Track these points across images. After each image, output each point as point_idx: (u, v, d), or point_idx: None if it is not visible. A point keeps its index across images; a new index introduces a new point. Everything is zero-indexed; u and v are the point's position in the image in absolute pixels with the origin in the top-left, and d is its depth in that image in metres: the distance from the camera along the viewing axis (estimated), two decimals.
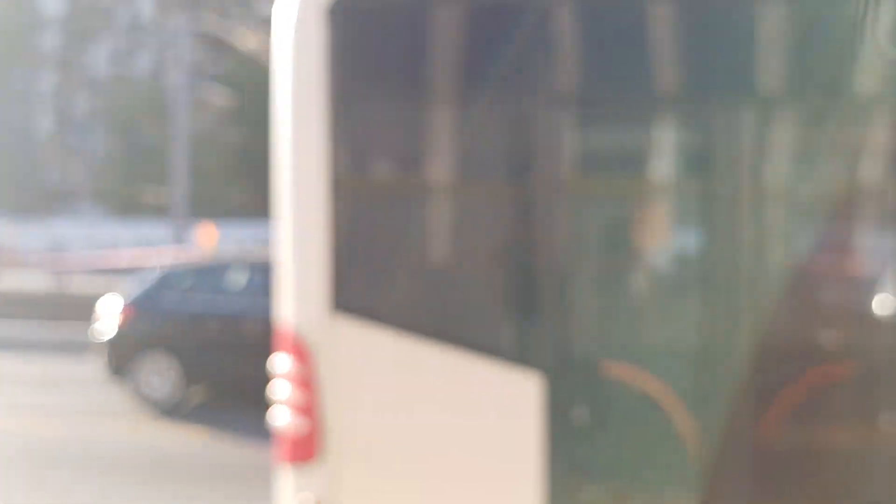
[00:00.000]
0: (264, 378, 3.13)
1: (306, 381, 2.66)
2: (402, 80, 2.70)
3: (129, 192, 25.85)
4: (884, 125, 2.55)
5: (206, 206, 19.88)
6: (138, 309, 7.97)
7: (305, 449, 2.66)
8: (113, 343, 7.91)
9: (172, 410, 7.73)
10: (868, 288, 2.59)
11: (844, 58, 2.49)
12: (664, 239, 2.70)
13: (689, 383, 2.60)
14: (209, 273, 8.42)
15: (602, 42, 2.60)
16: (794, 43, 2.53)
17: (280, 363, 2.73)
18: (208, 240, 14.49)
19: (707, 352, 2.59)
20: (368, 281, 2.75)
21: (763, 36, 2.52)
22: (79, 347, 10.07)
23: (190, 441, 7.05)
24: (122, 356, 7.85)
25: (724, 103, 2.51)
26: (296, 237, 2.70)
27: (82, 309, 10.72)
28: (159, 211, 21.01)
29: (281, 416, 2.72)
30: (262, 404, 3.52)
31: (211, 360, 7.88)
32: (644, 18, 2.56)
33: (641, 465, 2.63)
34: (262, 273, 7.67)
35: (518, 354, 2.60)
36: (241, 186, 24.13)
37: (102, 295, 9.32)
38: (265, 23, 7.02)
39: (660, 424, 2.54)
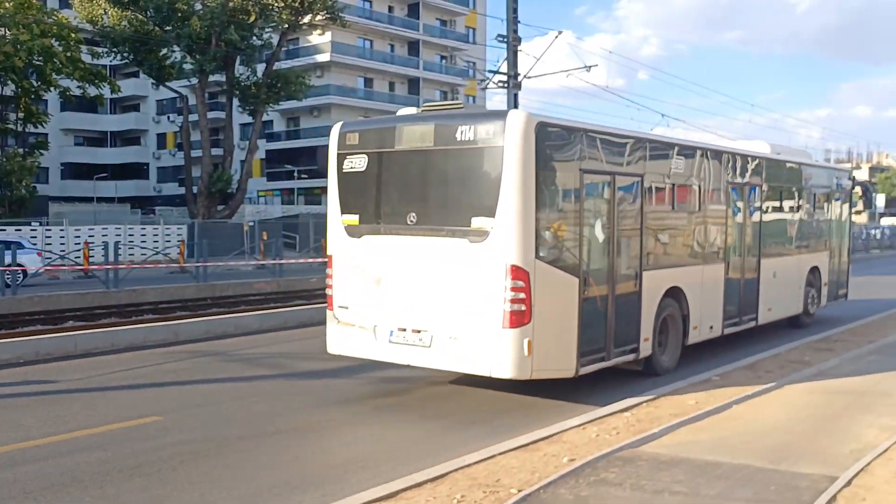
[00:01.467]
0: None
1: (526, 288, 8.25)
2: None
3: None
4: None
5: None
6: None
7: (525, 317, 8.26)
8: None
9: None
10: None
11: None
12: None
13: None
14: None
15: None
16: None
17: (516, 281, 8.24)
18: None
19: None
20: (549, 249, 8.74)
21: None
22: None
23: None
24: None
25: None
26: (524, 231, 8.35)
27: None
28: None
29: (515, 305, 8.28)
30: None
31: None
32: None
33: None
34: None
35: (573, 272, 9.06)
36: None
37: None
38: None
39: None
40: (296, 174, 56.42)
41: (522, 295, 8.29)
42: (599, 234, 9.55)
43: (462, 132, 8.72)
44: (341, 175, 9.72)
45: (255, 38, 38.56)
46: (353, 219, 9.59)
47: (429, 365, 9.13)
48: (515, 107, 24.19)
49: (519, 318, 8.28)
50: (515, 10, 24.04)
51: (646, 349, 10.16)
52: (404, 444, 7.86)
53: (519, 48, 24.12)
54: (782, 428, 7.77)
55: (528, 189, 8.37)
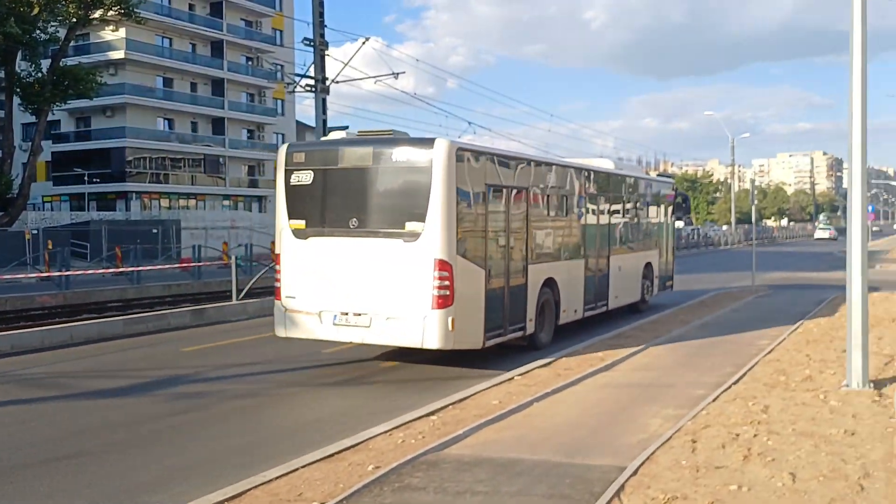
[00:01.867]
0: None
1: (450, 277, 10.26)
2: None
3: None
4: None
5: None
6: None
7: (449, 300, 10.24)
8: None
9: None
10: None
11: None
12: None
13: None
14: None
15: None
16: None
17: (442, 272, 10.26)
18: None
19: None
20: (465, 247, 10.77)
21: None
22: None
23: None
24: None
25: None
26: (448, 232, 10.37)
27: None
28: None
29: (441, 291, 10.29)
30: None
31: None
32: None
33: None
34: None
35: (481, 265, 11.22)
36: None
37: None
38: None
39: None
40: (86, 178, 52.59)
41: (447, 283, 10.39)
42: (499, 235, 11.81)
43: (397, 154, 10.87)
44: (289, 188, 11.49)
45: (39, 32, 35.55)
46: (300, 223, 11.36)
47: (369, 341, 11.12)
48: (324, 111, 23.97)
49: (445, 301, 10.34)
50: (322, 15, 23.79)
51: (530, 328, 12.47)
52: (196, 463, 7.45)
53: (327, 53, 23.88)
54: (578, 423, 8.11)
55: (450, 199, 10.51)
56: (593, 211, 15.29)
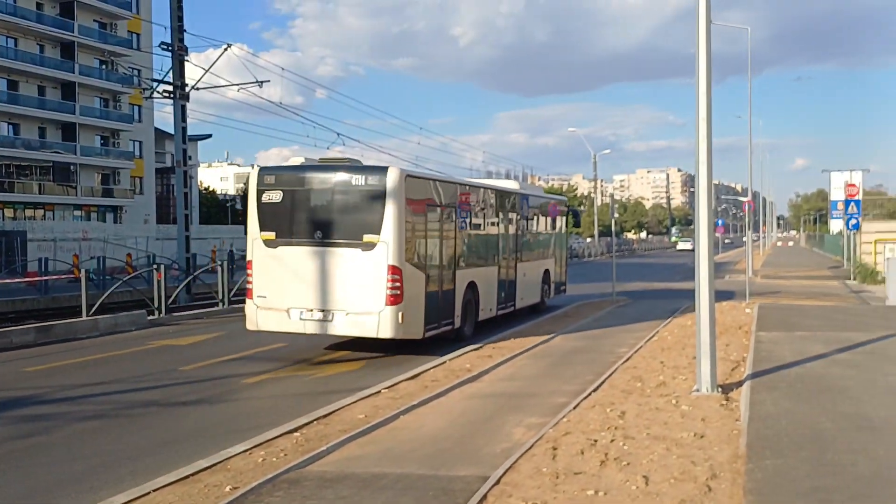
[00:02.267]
0: None
1: (400, 280, 12.42)
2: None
3: None
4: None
5: None
6: None
7: (399, 298, 12.39)
8: None
9: None
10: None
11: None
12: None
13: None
14: None
15: None
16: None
17: (394, 276, 12.43)
18: None
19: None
20: (411, 255, 12.96)
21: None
22: None
23: None
24: None
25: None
26: (398, 243, 12.56)
27: None
28: None
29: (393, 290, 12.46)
30: None
31: None
32: None
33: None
34: None
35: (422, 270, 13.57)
36: None
37: None
38: None
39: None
40: None
41: (398, 284, 12.59)
42: (434, 246, 14.11)
43: (356, 179, 13.06)
44: (260, 204, 13.47)
45: None
46: (271, 235, 13.34)
47: (330, 332, 13.24)
48: (183, 118, 23.16)
49: (396, 299, 12.56)
50: (181, 19, 22.99)
51: (457, 323, 14.87)
52: (39, 490, 6.94)
53: (187, 58, 23.07)
54: (443, 434, 8.11)
55: (400, 216, 12.72)
56: (504, 225, 17.88)
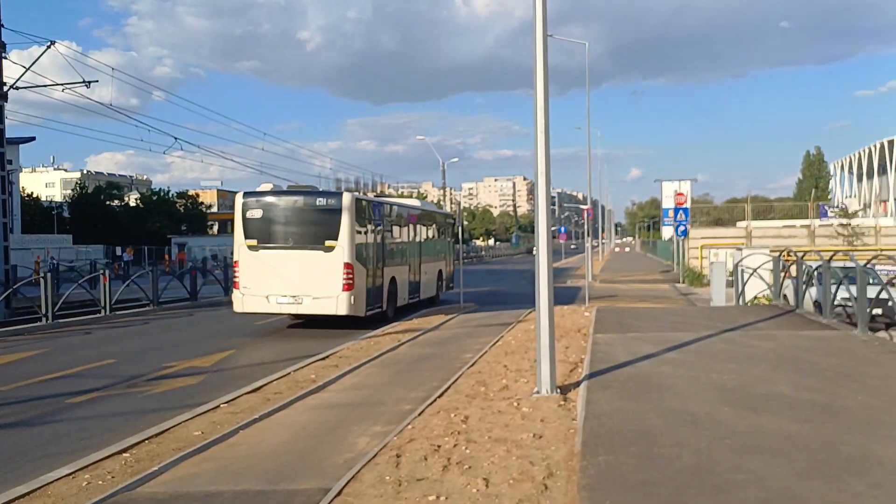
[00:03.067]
0: None
1: (352, 273, 17.88)
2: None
3: None
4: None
5: None
6: None
7: (352, 286, 17.81)
8: None
9: None
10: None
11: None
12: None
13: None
14: None
15: None
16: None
17: (347, 270, 17.85)
18: None
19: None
20: (358, 255, 18.40)
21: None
22: None
23: None
24: None
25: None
26: (350, 247, 17.95)
27: None
28: None
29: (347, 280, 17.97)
30: None
31: None
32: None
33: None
34: None
35: (365, 266, 19.13)
36: None
37: None
38: None
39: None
40: None
41: (351, 276, 17.65)
42: (371, 249, 19.41)
43: (319, 201, 18.55)
44: (245, 220, 18.38)
45: None
46: (253, 241, 18.20)
47: (301, 312, 18.50)
48: (1, 119, 21.59)
49: (349, 286, 17.62)
50: None
51: (385, 307, 20.16)
52: None
53: (6, 55, 21.45)
54: (285, 448, 7.90)
55: (351, 227, 17.90)
56: (413, 234, 23.41)
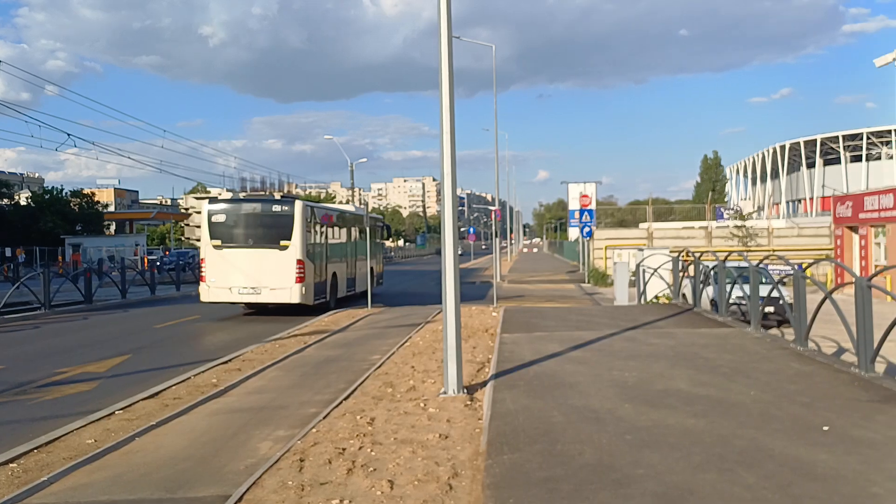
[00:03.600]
0: None
1: (303, 267, 21.46)
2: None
3: None
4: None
5: None
6: None
7: (303, 279, 21.34)
8: None
9: None
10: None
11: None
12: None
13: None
14: None
15: None
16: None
17: (299, 266, 21.49)
18: None
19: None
20: (308, 253, 21.90)
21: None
22: None
23: None
24: None
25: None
26: (302, 246, 21.47)
27: None
28: None
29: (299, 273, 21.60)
30: None
31: None
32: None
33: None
34: None
35: (312, 262, 22.71)
36: None
37: None
38: None
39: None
40: None
41: (302, 270, 20.71)
42: (318, 247, 22.55)
43: (274, 207, 21.45)
44: (210, 223, 21.49)
45: None
46: (218, 241, 21.34)
47: (260, 301, 21.37)
48: None
49: (301, 279, 20.69)
50: None
51: (328, 297, 23.11)
52: None
53: None
54: (183, 454, 7.65)
55: (303, 229, 20.96)
56: (349, 236, 26.97)
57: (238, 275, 21.07)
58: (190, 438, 8.27)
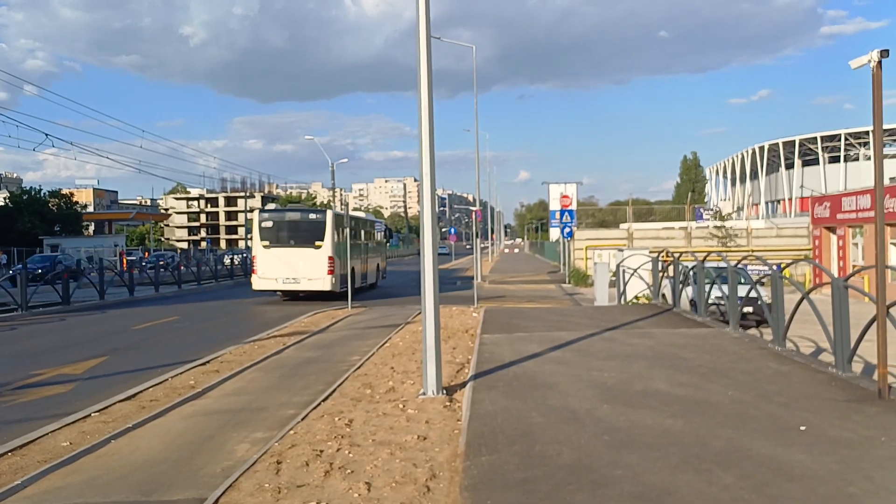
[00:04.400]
0: None
1: (333, 262, 27.42)
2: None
3: None
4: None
5: None
6: None
7: (333, 271, 27.34)
8: None
9: None
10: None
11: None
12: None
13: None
14: None
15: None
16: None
17: (330, 260, 27.76)
18: None
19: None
20: (335, 251, 27.60)
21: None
22: None
23: None
24: None
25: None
26: (331, 245, 27.39)
27: None
28: None
29: (330, 267, 28.05)
30: None
31: None
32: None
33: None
34: None
35: (339, 257, 28.13)
36: None
37: None
38: None
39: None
40: None
41: (332, 265, 26.77)
42: (342, 248, 26.74)
43: (311, 215, 28.24)
44: (261, 228, 27.13)
45: None
46: (266, 242, 26.97)
47: (300, 288, 27.00)
48: None
49: (331, 272, 26.72)
50: None
51: (348, 287, 24.20)
52: None
53: None
54: (159, 457, 7.57)
55: (332, 233, 26.96)
56: (364, 237, 32.48)
57: (282, 268, 26.65)
58: (166, 441, 8.19)
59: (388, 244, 39.36)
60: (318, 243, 26.85)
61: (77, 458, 7.48)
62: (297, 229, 27.17)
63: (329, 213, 27.47)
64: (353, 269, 26.88)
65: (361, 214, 34.48)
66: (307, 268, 26.64)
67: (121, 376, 12.38)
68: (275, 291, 27.88)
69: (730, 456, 6.23)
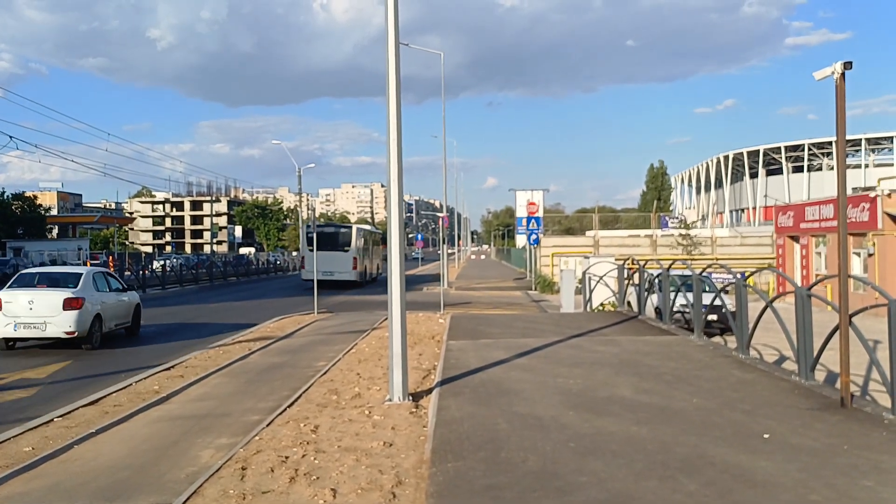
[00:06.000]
0: None
1: (358, 260, 43.23)
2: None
3: None
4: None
5: None
6: None
7: (359, 267, 43.48)
8: None
9: None
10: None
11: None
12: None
13: None
14: None
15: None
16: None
17: (355, 259, 43.93)
18: None
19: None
20: (360, 253, 42.51)
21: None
22: None
23: None
24: None
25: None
26: (357, 249, 42.14)
27: None
28: None
29: (355, 263, 43.01)
30: None
31: None
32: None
33: None
34: None
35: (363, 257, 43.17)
36: None
37: None
38: None
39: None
40: None
41: (356, 263, 40.86)
42: (362, 252, 42.30)
43: (342, 230, 43.02)
44: (307, 237, 36.82)
45: None
46: (311, 248, 30.04)
47: (333, 278, 39.09)
48: None
49: (356, 268, 40.82)
50: None
51: (366, 280, 43.35)
52: None
53: None
54: (123, 463, 7.48)
55: (357, 241, 41.37)
56: (373, 244, 47.10)
57: (322, 264, 32.68)
58: (130, 446, 8.10)
59: (384, 248, 48.98)
60: (346, 248, 39.95)
61: (39, 464, 7.37)
62: (332, 240, 39.17)
63: (355, 228, 41.94)
64: (366, 267, 42.79)
65: (370, 228, 50.46)
66: (339, 265, 39.13)
67: (84, 381, 12.21)
68: (311, 281, 33.55)
69: (694, 463, 6.32)
